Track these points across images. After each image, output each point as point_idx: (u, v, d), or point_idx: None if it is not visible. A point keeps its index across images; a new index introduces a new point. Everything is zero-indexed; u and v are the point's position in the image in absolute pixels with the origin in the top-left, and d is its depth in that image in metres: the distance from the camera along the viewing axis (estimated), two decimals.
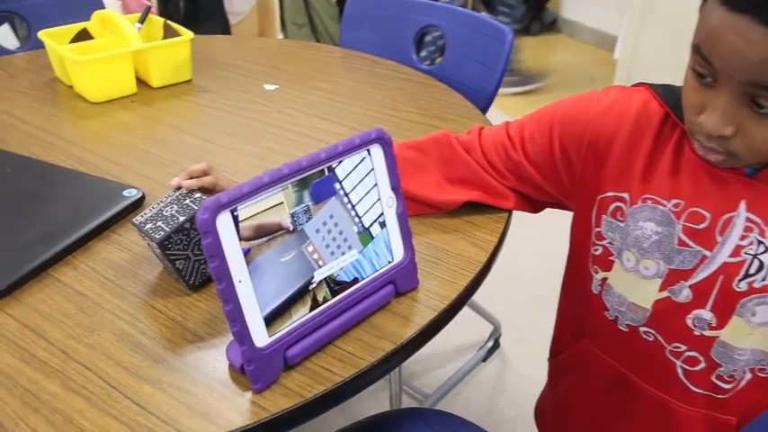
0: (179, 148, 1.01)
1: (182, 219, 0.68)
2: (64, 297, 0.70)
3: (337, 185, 0.61)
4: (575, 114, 0.77)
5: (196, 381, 0.59)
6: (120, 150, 1.00)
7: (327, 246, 0.62)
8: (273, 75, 1.30)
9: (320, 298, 0.62)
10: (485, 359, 1.68)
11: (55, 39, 1.20)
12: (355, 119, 1.12)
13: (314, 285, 0.61)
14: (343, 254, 0.63)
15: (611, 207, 0.75)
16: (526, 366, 1.70)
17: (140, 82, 1.22)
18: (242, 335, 0.55)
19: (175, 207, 0.70)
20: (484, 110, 1.24)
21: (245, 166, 0.96)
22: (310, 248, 0.60)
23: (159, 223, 0.68)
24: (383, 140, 0.64)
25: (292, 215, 0.58)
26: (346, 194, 0.62)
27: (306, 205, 0.59)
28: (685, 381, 0.75)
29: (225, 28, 2.86)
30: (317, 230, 0.60)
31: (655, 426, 0.80)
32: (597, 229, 0.78)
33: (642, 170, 0.72)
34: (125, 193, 0.85)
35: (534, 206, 0.87)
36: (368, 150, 0.64)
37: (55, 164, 0.93)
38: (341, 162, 0.61)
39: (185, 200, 0.71)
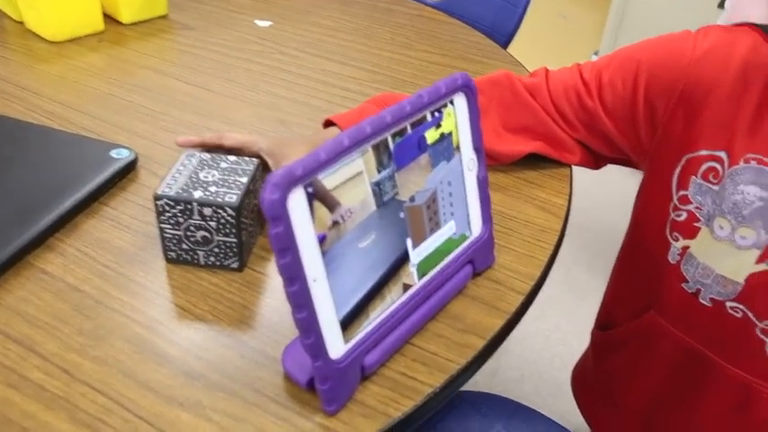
0: (168, 96, 0.84)
1: (245, 180, 0.56)
2: (54, 294, 0.54)
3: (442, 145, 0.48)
4: (667, 59, 0.65)
5: (247, 402, 0.46)
6: (95, 100, 0.82)
7: (430, 219, 0.49)
8: (263, 9, 1.12)
9: (402, 287, 0.49)
10: None
11: None
12: (369, 60, 0.97)
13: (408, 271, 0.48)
14: (441, 226, 0.51)
15: (703, 167, 0.64)
16: (525, 322, 1.62)
17: (107, 18, 1.03)
18: (316, 348, 0.42)
19: (214, 172, 0.57)
20: None
21: (253, 117, 0.80)
22: (406, 225, 0.47)
23: (213, 188, 0.55)
24: (469, 89, 0.51)
25: (376, 185, 0.44)
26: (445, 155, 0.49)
27: (389, 172, 0.45)
28: None
29: None
30: (424, 201, 0.48)
31: (728, 405, 0.72)
32: (683, 192, 0.67)
33: (747, 126, 0.61)
34: (113, 153, 0.68)
35: (596, 162, 0.76)
36: (451, 101, 0.50)
37: (18, 119, 0.75)
38: (424, 117, 0.47)
39: (219, 162, 0.58)
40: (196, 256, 0.57)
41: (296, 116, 0.81)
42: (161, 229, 0.56)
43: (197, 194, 0.54)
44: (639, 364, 0.81)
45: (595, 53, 2.37)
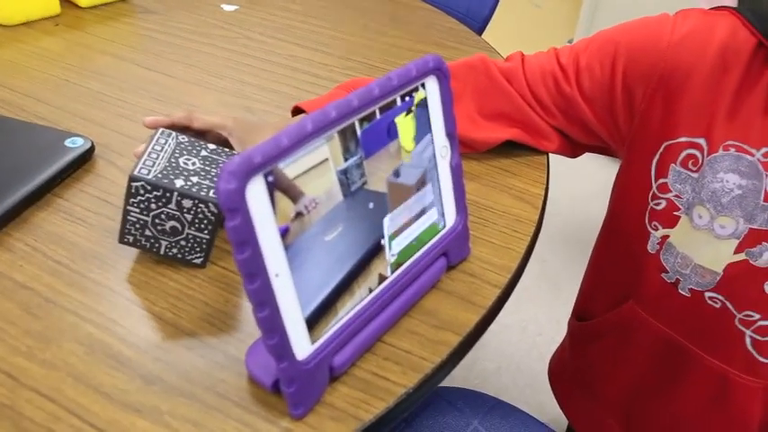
0: (127, 82, 0.80)
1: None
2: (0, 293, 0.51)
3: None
4: (645, 43, 0.63)
5: (209, 407, 0.43)
6: (50, 87, 0.78)
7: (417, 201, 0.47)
8: None
9: (373, 281, 0.46)
10: None
11: None
12: (340, 46, 0.94)
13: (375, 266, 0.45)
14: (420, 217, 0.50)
15: (683, 155, 0.63)
16: (501, 313, 1.61)
17: (64, 1, 0.98)
18: (281, 349, 0.39)
19: (195, 160, 0.53)
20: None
21: (217, 105, 0.77)
22: (386, 206, 0.45)
23: (195, 179, 0.51)
24: (441, 72, 0.48)
25: (342, 174, 0.42)
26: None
27: (357, 160, 0.42)
28: (753, 351, 0.66)
29: None
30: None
31: (706, 395, 0.72)
32: (662, 180, 0.65)
33: (726, 112, 0.60)
34: (68, 143, 0.64)
35: (574, 150, 0.74)
36: (422, 84, 0.47)
37: None
38: (394, 101, 0.45)
39: (200, 150, 0.55)
40: (157, 245, 0.53)
41: (263, 103, 0.78)
42: (127, 211, 0.51)
43: (178, 183, 0.50)
44: (618, 354, 0.80)
45: (570, 41, 2.36)
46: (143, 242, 0.53)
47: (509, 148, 0.70)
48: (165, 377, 0.45)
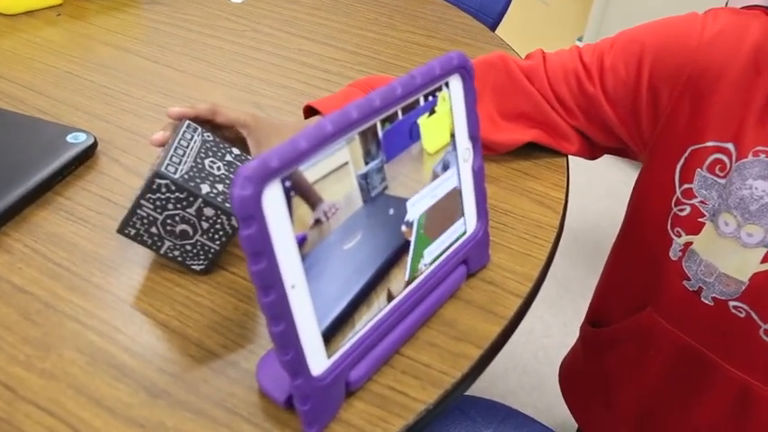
0: (132, 76, 0.78)
1: None
2: None
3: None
4: (673, 43, 0.60)
5: (218, 423, 0.41)
6: (51, 79, 0.76)
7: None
8: None
9: (395, 289, 0.44)
10: None
11: None
12: (351, 41, 0.91)
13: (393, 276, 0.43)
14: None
15: (709, 160, 0.60)
16: None
17: None
18: (296, 365, 0.37)
19: (220, 164, 0.51)
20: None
21: (225, 99, 0.74)
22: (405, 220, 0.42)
23: (220, 186, 0.49)
24: (465, 70, 0.45)
25: (363, 178, 0.39)
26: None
27: (378, 163, 0.40)
28: None
29: None
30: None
31: (726, 407, 0.69)
32: (687, 186, 0.63)
33: (757, 117, 0.57)
34: (70, 138, 0.62)
35: (593, 152, 0.71)
36: (446, 84, 0.45)
37: None
38: (417, 101, 0.42)
39: (225, 154, 0.52)
40: (159, 244, 0.50)
41: (271, 98, 0.75)
42: (139, 204, 0.48)
43: (204, 189, 0.48)
44: (634, 362, 0.77)
45: (579, 39, 2.33)
46: (145, 238, 0.50)
47: (528, 150, 0.68)
48: (171, 390, 0.42)
